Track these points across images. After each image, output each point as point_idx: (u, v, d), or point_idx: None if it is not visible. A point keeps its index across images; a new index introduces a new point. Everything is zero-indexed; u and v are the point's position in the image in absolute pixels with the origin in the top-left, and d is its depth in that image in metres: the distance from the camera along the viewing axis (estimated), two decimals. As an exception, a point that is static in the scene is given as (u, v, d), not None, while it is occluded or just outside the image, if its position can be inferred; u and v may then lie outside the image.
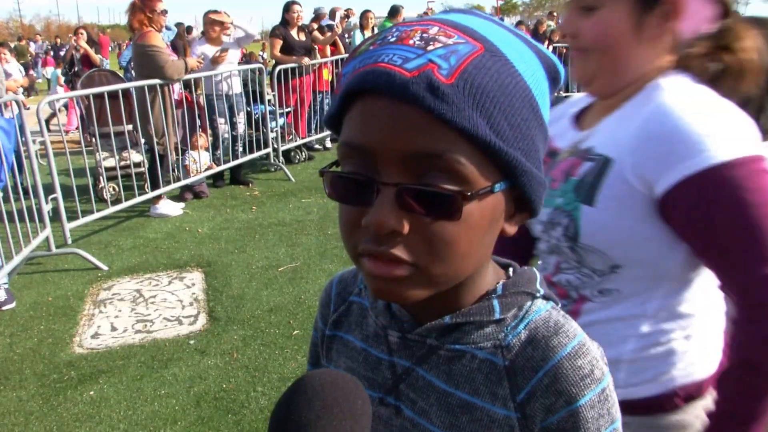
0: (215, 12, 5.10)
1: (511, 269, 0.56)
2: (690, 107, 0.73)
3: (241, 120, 5.32)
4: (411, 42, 0.42)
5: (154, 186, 4.43)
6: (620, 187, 0.75)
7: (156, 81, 4.25)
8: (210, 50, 5.06)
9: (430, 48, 0.42)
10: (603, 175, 0.76)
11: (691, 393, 0.82)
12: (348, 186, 0.45)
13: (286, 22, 5.86)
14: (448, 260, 0.44)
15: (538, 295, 0.53)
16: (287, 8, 5.84)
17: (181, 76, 4.42)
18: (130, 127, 4.37)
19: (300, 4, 5.88)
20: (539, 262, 0.92)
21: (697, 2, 0.77)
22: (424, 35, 0.43)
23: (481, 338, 0.51)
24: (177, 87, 4.56)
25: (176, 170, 4.73)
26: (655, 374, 0.82)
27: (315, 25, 6.79)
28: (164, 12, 4.40)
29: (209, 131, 5.24)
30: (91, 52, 7.77)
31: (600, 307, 0.83)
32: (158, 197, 4.51)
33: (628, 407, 0.68)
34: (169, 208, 4.60)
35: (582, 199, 0.77)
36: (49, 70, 15.41)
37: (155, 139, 4.32)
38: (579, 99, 0.93)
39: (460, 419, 0.51)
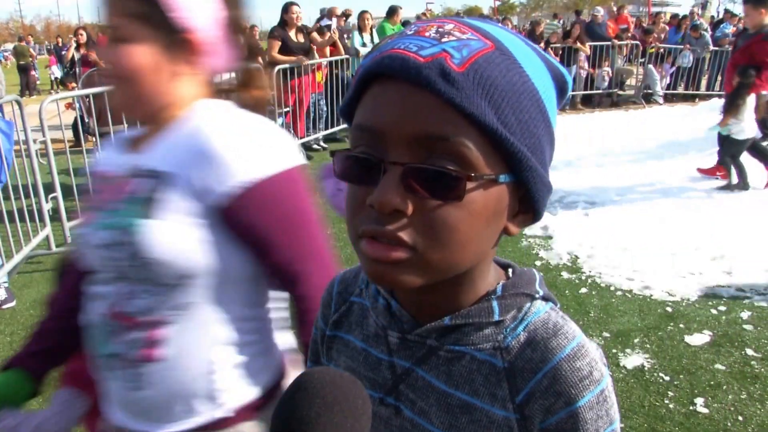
0: None
1: (510, 270, 0.56)
2: (221, 130, 0.81)
3: None
4: (427, 34, 0.45)
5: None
6: (178, 198, 0.79)
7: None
8: None
9: (444, 40, 0.44)
10: (160, 188, 0.80)
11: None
12: (356, 166, 0.46)
13: (284, 23, 5.85)
14: (448, 246, 0.44)
15: (537, 296, 0.53)
16: (286, 9, 5.84)
17: None
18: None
19: (299, 5, 5.88)
20: (94, 303, 0.87)
21: (223, 46, 0.87)
22: (440, 29, 0.45)
23: (480, 340, 0.51)
24: None
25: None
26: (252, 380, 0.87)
27: (320, 25, 6.80)
28: None
29: None
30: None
31: (179, 326, 0.82)
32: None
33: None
34: None
35: (140, 214, 0.79)
36: (55, 70, 15.45)
37: None
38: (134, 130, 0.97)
39: (459, 420, 0.51)
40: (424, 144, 0.43)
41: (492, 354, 0.51)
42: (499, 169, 0.45)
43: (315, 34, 6.50)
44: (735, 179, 4.64)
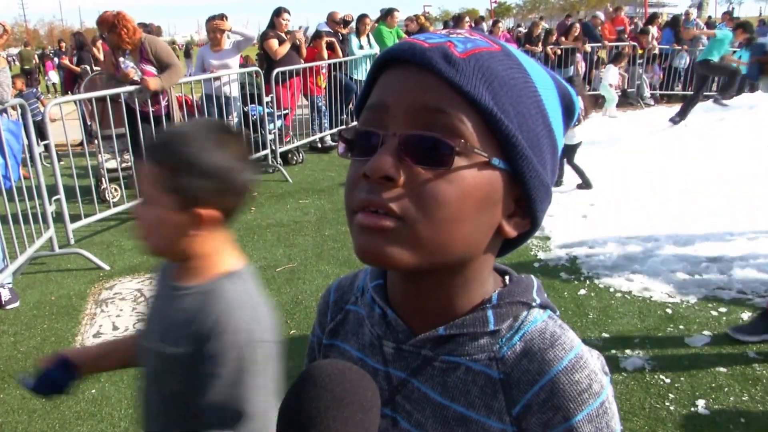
0: (219, 19, 5.24)
1: (508, 277, 0.55)
2: None
3: (232, 122, 5.39)
4: (437, 32, 0.49)
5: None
6: None
7: (133, 88, 4.20)
8: (211, 56, 5.19)
9: (452, 35, 0.48)
10: None
11: None
12: (359, 141, 0.48)
13: (273, 25, 5.99)
14: (436, 220, 0.44)
15: (534, 304, 0.52)
16: (277, 13, 6.00)
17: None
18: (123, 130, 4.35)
19: (289, 12, 6.04)
20: None
21: None
22: (451, 31, 0.49)
23: (475, 350, 0.50)
24: (173, 90, 4.58)
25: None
26: None
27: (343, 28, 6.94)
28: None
29: None
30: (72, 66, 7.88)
31: None
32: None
33: None
34: None
35: None
36: (52, 75, 15.51)
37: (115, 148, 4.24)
38: None
39: None
40: (422, 116, 0.45)
41: (487, 365, 0.50)
42: (493, 152, 0.45)
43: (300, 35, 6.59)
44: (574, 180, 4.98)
